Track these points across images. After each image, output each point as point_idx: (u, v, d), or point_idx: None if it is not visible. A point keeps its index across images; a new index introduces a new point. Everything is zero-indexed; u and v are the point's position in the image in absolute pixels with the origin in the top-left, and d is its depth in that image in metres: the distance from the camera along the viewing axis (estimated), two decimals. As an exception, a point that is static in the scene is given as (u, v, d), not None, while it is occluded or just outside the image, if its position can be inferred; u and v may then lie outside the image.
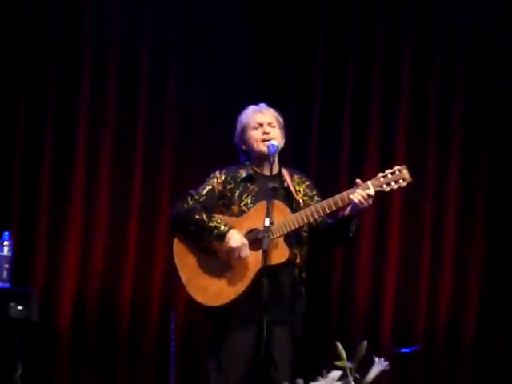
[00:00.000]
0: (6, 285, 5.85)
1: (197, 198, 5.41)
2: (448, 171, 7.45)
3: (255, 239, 5.30)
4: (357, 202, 5.15)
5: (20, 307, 5.83)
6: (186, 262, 5.45)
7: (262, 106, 5.52)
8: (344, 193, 5.20)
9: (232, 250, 5.33)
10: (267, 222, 5.06)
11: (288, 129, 5.90)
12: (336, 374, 4.15)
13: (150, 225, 7.17)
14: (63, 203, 7.15)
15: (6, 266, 5.87)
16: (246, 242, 5.30)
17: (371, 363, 4.44)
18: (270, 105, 5.52)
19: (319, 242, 5.47)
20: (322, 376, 4.55)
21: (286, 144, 5.61)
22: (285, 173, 5.48)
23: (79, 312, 7.02)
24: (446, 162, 7.45)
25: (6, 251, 5.88)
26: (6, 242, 5.89)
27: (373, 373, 4.31)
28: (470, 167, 7.47)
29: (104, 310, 7.06)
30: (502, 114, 7.61)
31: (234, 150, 5.66)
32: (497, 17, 7.74)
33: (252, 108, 5.52)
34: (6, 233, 5.95)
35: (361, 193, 5.18)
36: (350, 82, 7.55)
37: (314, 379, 4.70)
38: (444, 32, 7.72)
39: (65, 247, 7.07)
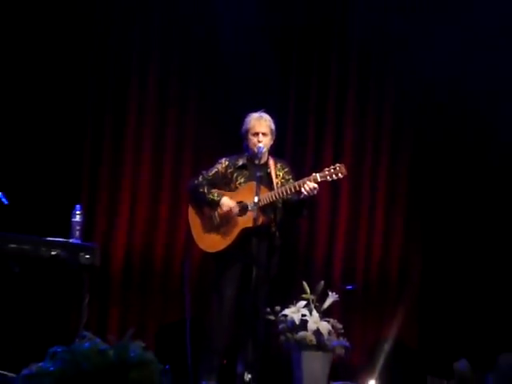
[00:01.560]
0: (79, 240, 6.08)
1: (206, 176, 6.15)
2: (379, 165, 7.78)
3: (241, 208, 6.01)
4: (305, 192, 5.82)
5: (87, 256, 5.98)
6: (195, 223, 6.19)
7: (262, 115, 6.13)
8: (300, 180, 5.90)
9: (224, 211, 6.00)
10: (256, 199, 5.72)
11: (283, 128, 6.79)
12: (302, 303, 5.45)
13: (175, 201, 7.45)
14: (116, 183, 7.48)
15: (78, 227, 6.12)
16: (234, 204, 5.97)
17: (326, 296, 5.55)
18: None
19: (288, 213, 6.14)
20: (293, 304, 5.72)
21: (279, 139, 6.32)
22: (271, 161, 6.15)
23: (127, 259, 7.41)
24: (378, 160, 7.78)
25: (78, 218, 6.13)
26: (78, 212, 6.14)
27: (327, 302, 5.51)
28: (395, 163, 7.80)
29: (144, 258, 7.46)
30: (422, 127, 7.78)
31: (239, 140, 6.20)
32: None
33: (254, 116, 6.11)
34: (78, 205, 6.19)
35: (309, 185, 5.80)
36: (312, 95, 7.77)
37: (287, 307, 5.73)
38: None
39: (117, 216, 7.44)
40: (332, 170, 5.96)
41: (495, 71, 7.45)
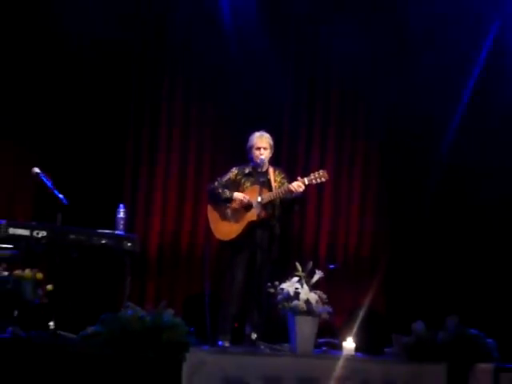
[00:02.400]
0: (122, 232, 6.04)
1: (220, 181, 6.09)
2: (354, 171, 7.88)
3: (248, 206, 5.92)
4: (294, 189, 5.82)
5: (129, 244, 5.96)
6: (212, 218, 6.12)
7: (263, 134, 6.06)
8: (291, 183, 5.87)
9: (235, 206, 5.92)
10: (259, 199, 5.82)
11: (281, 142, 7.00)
12: (295, 279, 5.36)
13: (198, 197, 7.39)
14: (151, 187, 7.42)
15: (122, 222, 6.07)
16: (244, 195, 5.89)
17: (314, 273, 5.36)
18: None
19: (284, 209, 6.05)
20: (288, 280, 5.51)
21: (277, 151, 6.34)
22: (270, 169, 6.09)
23: (159, 246, 7.38)
24: (353, 168, 7.87)
25: (121, 214, 6.08)
26: (121, 210, 6.09)
27: (315, 278, 5.40)
28: (367, 169, 7.90)
29: (172, 245, 7.43)
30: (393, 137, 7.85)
31: (243, 152, 6.15)
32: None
33: (257, 135, 6.05)
34: (121, 205, 6.14)
35: (298, 184, 5.80)
36: (302, 121, 7.83)
37: (284, 282, 5.52)
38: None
39: (152, 212, 7.38)
40: (317, 175, 5.93)
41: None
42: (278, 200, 5.99)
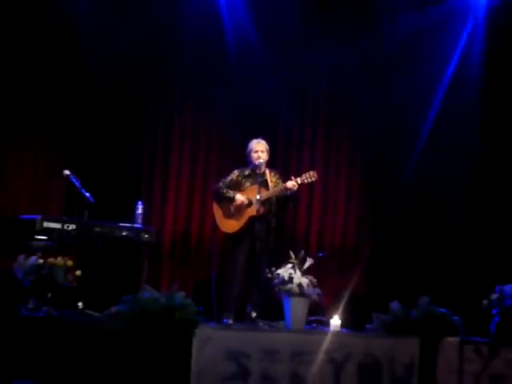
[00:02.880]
0: (140, 225, 6.05)
1: (224, 182, 6.05)
2: (340, 172, 7.83)
3: (248, 202, 5.90)
4: (288, 187, 5.81)
5: (146, 236, 6.00)
6: (217, 213, 6.08)
7: (260, 140, 6.05)
8: (282, 184, 5.90)
9: (238, 204, 5.88)
10: (258, 197, 5.83)
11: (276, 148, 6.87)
12: (289, 265, 5.30)
13: (205, 195, 7.28)
14: (165, 187, 7.35)
15: (140, 217, 6.09)
16: (244, 198, 5.87)
17: (305, 261, 5.29)
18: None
19: (279, 206, 6.01)
20: (283, 266, 5.42)
21: (273, 155, 6.29)
22: (267, 171, 6.05)
23: (172, 238, 7.32)
24: (339, 169, 7.83)
25: (139, 210, 6.10)
26: (140, 206, 6.10)
27: (306, 265, 5.32)
28: (351, 170, 7.89)
29: (184, 237, 7.36)
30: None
31: (243, 157, 6.14)
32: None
33: (255, 141, 6.04)
34: (140, 202, 6.16)
35: (292, 183, 5.80)
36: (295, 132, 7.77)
37: (280, 268, 5.47)
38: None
39: (166, 209, 7.32)
40: (308, 175, 5.92)
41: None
42: (274, 198, 5.95)
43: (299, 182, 5.89)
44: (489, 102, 7.40)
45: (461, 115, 7.38)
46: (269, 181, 6.02)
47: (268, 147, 6.08)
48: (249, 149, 6.09)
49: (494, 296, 5.15)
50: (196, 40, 7.29)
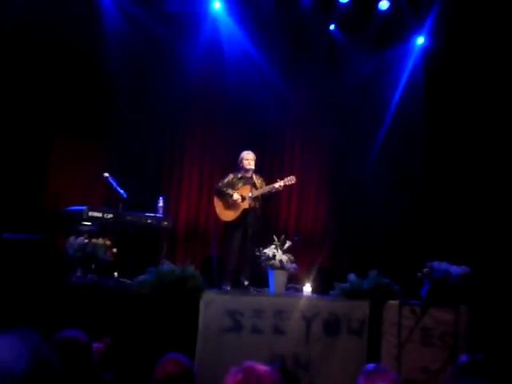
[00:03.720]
0: (161, 215, 5.88)
1: (223, 182, 5.94)
2: (312, 176, 7.58)
3: (243, 198, 5.82)
4: (277, 188, 5.80)
5: (165, 223, 5.88)
6: (218, 206, 5.94)
7: (249, 152, 5.94)
8: (271, 185, 5.84)
9: (234, 200, 5.79)
10: (250, 194, 5.78)
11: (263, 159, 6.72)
12: (273, 246, 5.27)
13: (210, 192, 6.87)
14: (180, 185, 7.20)
15: (161, 209, 5.79)
16: (239, 196, 5.79)
17: (285, 243, 5.27)
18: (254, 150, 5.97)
19: (264, 201, 5.96)
20: (268, 247, 5.43)
21: (262, 162, 6.24)
22: (254, 176, 5.95)
23: (185, 225, 7.17)
24: (311, 174, 7.58)
25: (161, 203, 5.83)
26: (161, 200, 5.91)
27: (286, 246, 5.28)
28: (320, 174, 7.60)
29: (194, 225, 7.21)
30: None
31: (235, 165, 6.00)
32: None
33: (246, 152, 5.95)
34: (161, 197, 6.00)
35: (279, 184, 5.79)
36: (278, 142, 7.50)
37: (266, 248, 5.47)
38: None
39: (180, 203, 7.19)
40: (289, 178, 5.87)
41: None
42: (260, 195, 5.87)
43: (282, 184, 5.83)
44: (429, 130, 7.17)
45: (405, 136, 7.17)
46: (256, 183, 5.95)
47: (255, 157, 5.99)
48: (241, 157, 5.97)
49: (425, 270, 5.11)
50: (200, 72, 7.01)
